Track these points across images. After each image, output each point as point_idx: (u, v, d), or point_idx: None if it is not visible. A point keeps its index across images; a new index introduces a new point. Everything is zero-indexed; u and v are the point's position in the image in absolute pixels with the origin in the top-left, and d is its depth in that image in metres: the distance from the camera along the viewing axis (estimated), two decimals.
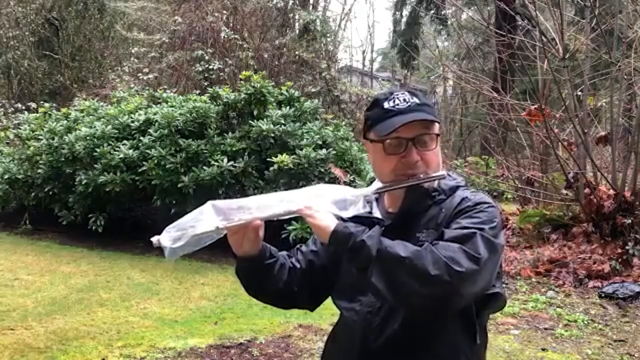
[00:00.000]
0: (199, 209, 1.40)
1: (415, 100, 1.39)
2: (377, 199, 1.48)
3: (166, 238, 1.38)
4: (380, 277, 1.23)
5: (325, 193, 1.41)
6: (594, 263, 6.00)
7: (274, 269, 1.51)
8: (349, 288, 1.45)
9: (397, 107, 1.38)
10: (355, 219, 1.35)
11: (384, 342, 1.37)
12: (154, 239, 1.39)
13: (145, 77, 11.00)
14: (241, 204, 1.40)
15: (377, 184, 1.44)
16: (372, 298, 1.39)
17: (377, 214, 1.45)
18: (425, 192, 1.40)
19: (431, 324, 1.35)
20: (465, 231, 1.26)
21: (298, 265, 1.55)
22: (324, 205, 1.36)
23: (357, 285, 1.41)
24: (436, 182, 1.41)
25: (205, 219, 1.38)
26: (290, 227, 6.06)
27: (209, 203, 1.40)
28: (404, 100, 1.38)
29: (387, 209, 1.46)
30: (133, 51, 12.25)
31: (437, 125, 1.41)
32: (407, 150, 1.36)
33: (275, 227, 5.57)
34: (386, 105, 1.39)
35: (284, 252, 1.58)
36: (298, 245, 1.62)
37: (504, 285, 5.06)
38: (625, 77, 7.27)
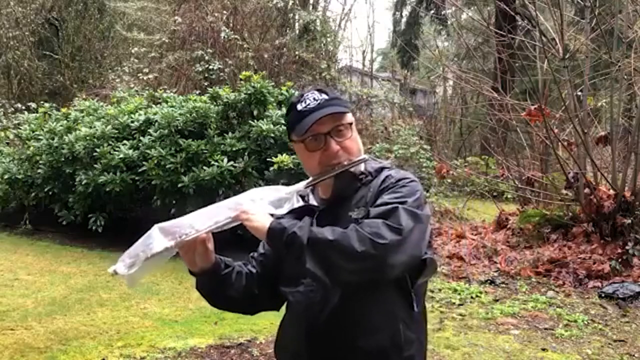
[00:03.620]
0: (147, 233, 1.48)
1: (324, 96, 1.50)
2: (312, 191, 1.58)
3: (121, 266, 1.45)
4: (314, 263, 1.33)
5: (261, 196, 1.50)
6: (594, 263, 6.00)
7: (231, 278, 1.60)
8: (292, 275, 1.53)
9: (308, 107, 1.49)
10: (294, 211, 1.48)
11: (326, 318, 1.46)
12: (110, 270, 1.46)
13: (145, 77, 11.00)
14: (184, 222, 1.48)
15: (304, 181, 1.56)
16: None
17: (313, 202, 1.56)
18: (352, 176, 1.51)
19: (368, 295, 1.43)
20: (387, 207, 1.36)
21: (254, 270, 1.65)
22: (260, 207, 1.47)
23: (299, 271, 1.48)
24: (362, 166, 1.52)
25: (154, 242, 1.45)
26: None
27: (155, 226, 1.48)
28: (314, 99, 1.50)
29: (322, 196, 1.57)
30: (133, 51, 12.25)
31: (348, 115, 1.52)
32: (326, 143, 1.47)
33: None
34: (299, 107, 1.51)
35: (239, 262, 1.67)
36: (251, 253, 1.71)
37: (503, 284, 5.02)
38: (625, 77, 7.27)
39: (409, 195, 1.40)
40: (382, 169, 1.53)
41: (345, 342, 1.46)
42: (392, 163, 1.68)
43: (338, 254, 1.30)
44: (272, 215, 1.45)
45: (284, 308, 1.70)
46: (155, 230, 1.47)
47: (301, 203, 1.52)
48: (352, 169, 1.49)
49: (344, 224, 1.37)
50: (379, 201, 1.41)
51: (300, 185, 1.53)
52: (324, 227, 1.37)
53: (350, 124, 1.52)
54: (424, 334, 1.57)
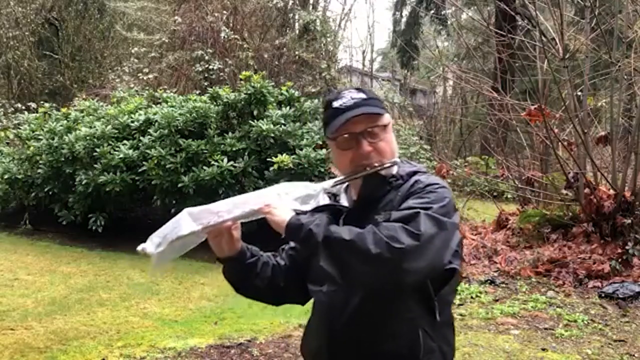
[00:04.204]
0: (176, 217, 1.51)
1: (362, 96, 1.49)
2: (345, 190, 1.57)
3: (150, 245, 1.50)
4: (329, 261, 1.34)
5: (288, 191, 1.51)
6: (594, 263, 5.99)
7: (256, 268, 1.62)
8: (319, 274, 1.53)
9: (344, 104, 1.48)
10: (320, 209, 1.46)
11: (346, 320, 1.45)
12: (139, 247, 1.51)
13: (145, 77, 10.99)
14: (213, 209, 1.50)
15: (333, 180, 1.55)
16: None
17: (344, 202, 1.54)
18: (382, 179, 1.48)
19: (388, 300, 1.41)
20: (409, 211, 1.34)
21: (282, 263, 1.66)
22: (285, 202, 1.47)
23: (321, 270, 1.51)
24: (394, 168, 1.50)
25: (182, 225, 1.49)
26: None
27: (185, 210, 1.51)
28: (351, 97, 1.49)
29: (352, 197, 1.55)
30: (133, 51, 12.24)
31: (384, 116, 1.50)
32: (358, 143, 1.46)
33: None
34: (335, 104, 1.49)
35: (269, 253, 1.68)
36: (282, 246, 1.71)
37: (503, 284, 5.02)
38: (625, 77, 7.27)
39: (435, 201, 1.36)
40: (414, 172, 1.50)
41: (363, 345, 1.45)
42: (426, 167, 1.66)
43: (352, 254, 1.29)
44: (295, 210, 1.44)
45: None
46: (184, 214, 1.50)
47: (327, 201, 1.51)
48: (382, 172, 1.47)
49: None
50: (403, 205, 1.39)
51: (328, 183, 1.53)
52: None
53: (386, 125, 1.49)
54: (448, 344, 1.52)
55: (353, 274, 1.31)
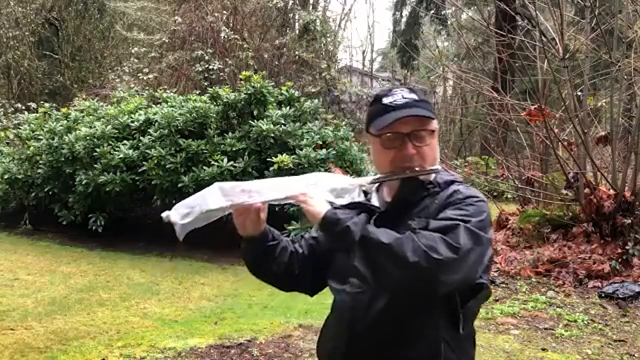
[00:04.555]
0: (207, 189, 1.48)
1: (414, 96, 1.46)
2: (377, 190, 1.54)
3: (175, 214, 1.46)
4: (363, 261, 1.32)
5: (323, 181, 1.47)
6: (594, 263, 6.00)
7: (275, 251, 1.59)
8: (341, 270, 1.52)
9: (395, 102, 1.44)
10: (352, 206, 1.42)
11: (369, 323, 1.43)
12: (164, 214, 1.47)
13: (145, 77, 11.00)
14: (245, 187, 1.48)
15: (370, 177, 1.52)
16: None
17: (375, 202, 1.51)
18: (420, 184, 1.46)
19: (413, 307, 1.39)
20: (449, 222, 1.31)
21: (300, 250, 1.62)
22: (320, 192, 1.44)
23: (348, 268, 1.48)
24: (432, 175, 1.47)
25: (212, 199, 1.46)
26: (290, 227, 6.06)
27: (216, 184, 1.49)
28: (403, 96, 1.45)
29: (385, 198, 1.52)
30: (133, 51, 12.25)
31: (433, 121, 1.47)
32: (403, 144, 1.42)
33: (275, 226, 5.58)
34: (385, 100, 1.46)
35: (289, 238, 1.66)
36: (302, 234, 1.71)
37: (503, 284, 5.02)
38: (625, 77, 7.27)
39: (474, 214, 1.34)
40: (451, 182, 1.47)
41: (383, 350, 1.43)
42: (463, 177, 1.64)
43: (389, 258, 1.26)
44: (330, 203, 1.41)
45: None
46: (215, 187, 1.48)
47: (362, 198, 1.47)
48: (421, 177, 1.45)
49: (402, 231, 1.32)
50: (441, 215, 1.36)
51: (365, 179, 1.50)
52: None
53: (433, 131, 1.46)
54: (468, 358, 1.50)
55: (386, 277, 1.29)
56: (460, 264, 1.26)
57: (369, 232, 1.30)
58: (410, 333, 1.41)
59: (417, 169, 1.43)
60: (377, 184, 1.51)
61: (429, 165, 1.45)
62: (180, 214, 1.46)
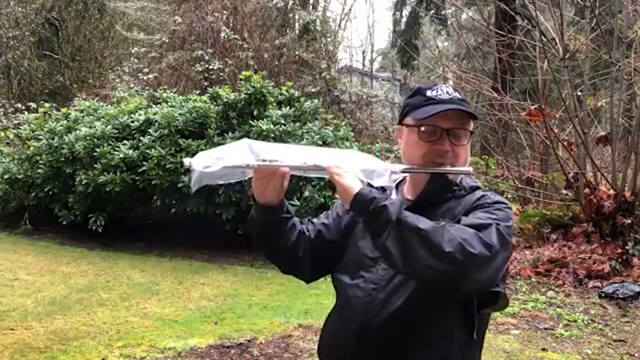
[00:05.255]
0: (235, 143, 1.43)
1: (457, 94, 1.46)
2: (397, 187, 1.52)
3: (198, 162, 1.38)
4: (396, 243, 1.26)
5: (354, 159, 1.42)
6: (594, 263, 6.00)
7: (286, 225, 1.53)
8: (354, 264, 1.49)
9: (439, 96, 1.44)
10: (377, 189, 1.38)
11: (383, 320, 1.40)
12: (186, 160, 1.39)
13: (145, 77, 10.99)
14: (274, 149, 1.43)
15: (403, 165, 1.47)
16: (378, 275, 1.43)
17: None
18: (447, 184, 1.45)
19: (431, 307, 1.37)
20: (482, 221, 1.30)
21: (307, 233, 1.57)
22: (352, 169, 1.38)
23: (362, 262, 1.47)
24: (459, 178, 1.47)
25: (239, 154, 1.39)
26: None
27: (245, 140, 1.43)
28: (447, 92, 1.45)
29: (406, 196, 1.50)
30: (133, 51, 12.24)
31: (472, 122, 1.46)
32: (440, 139, 1.41)
33: None
34: (429, 93, 1.45)
35: (298, 219, 1.60)
36: (309, 218, 1.65)
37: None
38: (625, 77, 7.27)
39: (503, 220, 1.34)
40: (477, 187, 1.47)
41: (394, 350, 1.40)
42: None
43: (423, 244, 1.23)
44: (361, 181, 1.36)
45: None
46: (243, 143, 1.42)
47: (392, 184, 1.44)
48: (450, 176, 1.44)
49: None
50: (471, 215, 1.35)
51: (397, 166, 1.43)
52: None
53: (471, 132, 1.46)
54: None
55: (417, 263, 1.25)
56: (491, 262, 1.25)
57: (405, 215, 1.27)
58: (425, 334, 1.39)
59: (448, 166, 1.41)
60: (404, 175, 1.48)
61: (460, 166, 1.43)
62: (203, 163, 1.37)
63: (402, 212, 1.28)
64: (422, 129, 1.42)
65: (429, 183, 1.44)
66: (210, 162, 1.37)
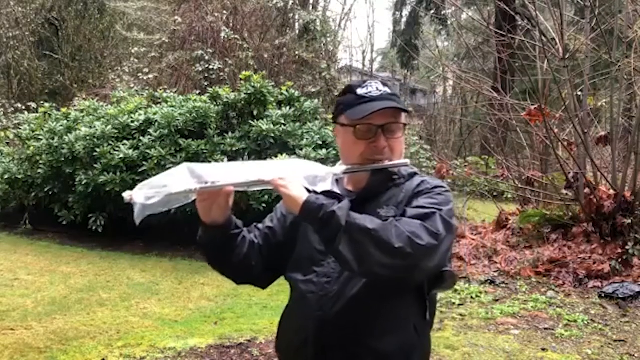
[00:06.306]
0: (174, 169, 1.42)
1: (387, 90, 1.47)
2: (337, 180, 1.53)
3: (140, 195, 1.37)
4: (349, 247, 1.29)
5: (297, 167, 1.43)
6: (594, 263, 5.99)
7: (236, 241, 1.53)
8: (305, 261, 1.51)
9: (370, 94, 1.46)
10: (326, 194, 1.40)
11: (339, 310, 1.43)
12: (126, 194, 1.38)
13: (145, 77, 11.00)
14: (217, 168, 1.41)
15: (343, 166, 1.50)
16: (329, 268, 1.46)
17: (336, 191, 1.50)
18: (387, 175, 1.50)
19: (386, 295, 1.41)
20: (426, 210, 1.35)
21: (256, 241, 1.58)
22: (296, 178, 1.39)
23: (313, 258, 1.49)
24: (397, 168, 1.51)
25: (180, 180, 1.38)
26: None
27: (184, 165, 1.42)
28: (377, 88, 1.47)
29: (347, 187, 1.54)
30: (133, 51, 12.25)
31: (404, 115, 1.50)
32: (376, 136, 1.44)
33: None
34: (359, 91, 1.47)
35: (246, 228, 1.61)
36: (254, 223, 1.64)
37: (503, 284, 5.01)
38: (625, 77, 7.27)
39: (444, 203, 1.38)
40: (414, 174, 1.52)
41: (354, 339, 1.43)
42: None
43: (374, 244, 1.27)
44: (306, 189, 1.38)
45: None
46: (184, 168, 1.41)
47: (335, 187, 1.45)
48: (389, 169, 1.48)
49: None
50: (415, 203, 1.39)
51: (338, 169, 1.47)
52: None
53: (404, 125, 1.49)
54: (429, 344, 1.56)
55: (372, 263, 1.28)
56: (438, 250, 1.30)
57: (354, 218, 1.30)
58: (383, 320, 1.43)
59: (387, 162, 1.46)
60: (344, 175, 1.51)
61: (397, 159, 1.48)
62: (145, 195, 1.36)
63: (350, 215, 1.31)
64: (358, 128, 1.44)
65: (370, 178, 1.49)
66: (151, 193, 1.37)
